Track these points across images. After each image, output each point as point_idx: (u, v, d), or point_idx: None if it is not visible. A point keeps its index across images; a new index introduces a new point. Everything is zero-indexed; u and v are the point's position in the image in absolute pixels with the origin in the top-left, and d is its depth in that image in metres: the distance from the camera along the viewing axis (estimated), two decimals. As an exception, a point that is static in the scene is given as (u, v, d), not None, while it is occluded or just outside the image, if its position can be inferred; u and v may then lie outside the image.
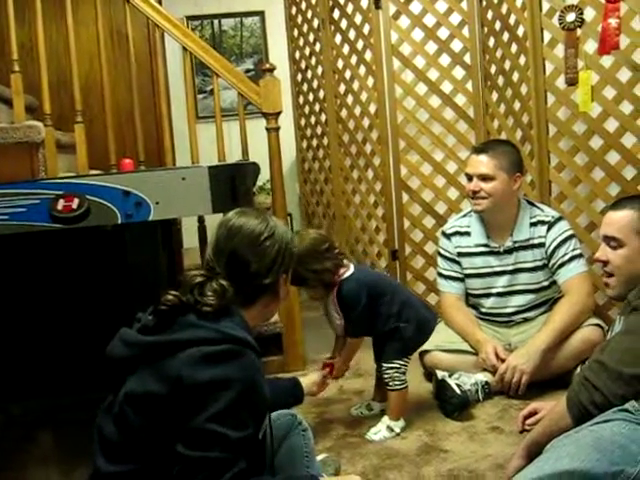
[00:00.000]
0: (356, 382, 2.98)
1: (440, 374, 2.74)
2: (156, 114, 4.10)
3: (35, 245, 2.51)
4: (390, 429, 2.49)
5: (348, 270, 2.45)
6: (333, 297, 2.43)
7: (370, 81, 4.04)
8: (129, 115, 3.32)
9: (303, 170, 4.82)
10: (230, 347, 1.38)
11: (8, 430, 2.55)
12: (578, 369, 2.72)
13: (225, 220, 1.59)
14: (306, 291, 2.46)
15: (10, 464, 2.29)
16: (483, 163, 2.87)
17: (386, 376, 2.47)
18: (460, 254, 3.06)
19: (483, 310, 3.06)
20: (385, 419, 2.52)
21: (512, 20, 3.44)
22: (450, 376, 2.72)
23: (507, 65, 3.53)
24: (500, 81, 3.62)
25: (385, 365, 2.47)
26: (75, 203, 2.05)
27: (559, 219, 2.93)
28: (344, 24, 4.18)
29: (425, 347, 2.92)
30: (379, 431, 2.49)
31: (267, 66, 3.13)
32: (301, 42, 4.57)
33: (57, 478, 2.17)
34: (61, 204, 2.05)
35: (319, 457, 2.14)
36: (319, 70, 4.41)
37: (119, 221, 2.08)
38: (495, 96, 3.68)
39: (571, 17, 3.07)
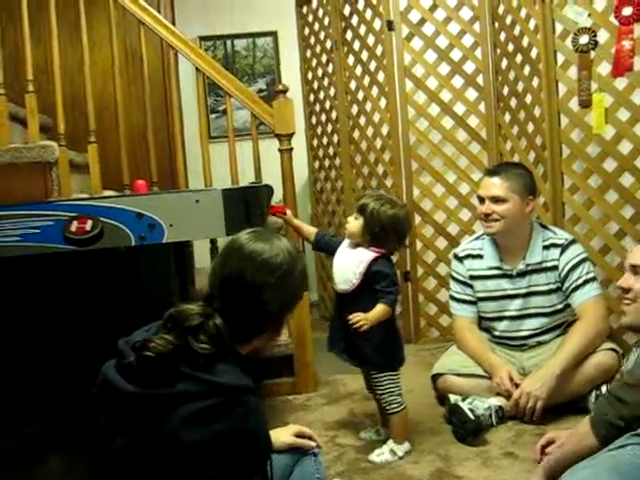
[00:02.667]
0: (367, 405, 2.91)
1: (453, 398, 2.69)
2: (169, 134, 4.12)
3: (48, 266, 2.47)
4: (393, 452, 2.46)
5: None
6: (367, 259, 2.35)
7: (383, 102, 3.99)
8: (142, 135, 3.30)
9: (315, 191, 4.79)
10: (225, 399, 1.32)
11: (19, 453, 2.52)
12: (593, 394, 2.69)
13: (235, 242, 1.48)
14: (356, 230, 2.35)
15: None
16: (495, 185, 2.82)
17: (382, 401, 2.44)
18: (472, 277, 3.00)
19: (496, 333, 2.99)
20: (390, 442, 2.49)
21: (525, 42, 3.43)
22: (463, 400, 2.67)
23: (520, 87, 3.53)
24: (513, 103, 3.60)
25: (376, 383, 2.42)
26: (89, 225, 2.03)
27: (572, 242, 2.87)
28: (357, 45, 4.14)
29: (438, 370, 2.91)
30: (382, 453, 2.46)
31: (280, 87, 3.11)
32: (314, 63, 4.54)
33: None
34: (75, 226, 2.03)
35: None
36: (332, 91, 4.36)
37: (132, 243, 2.05)
38: (508, 118, 3.65)
39: (584, 39, 3.07)
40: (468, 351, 2.93)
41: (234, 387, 1.33)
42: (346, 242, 2.46)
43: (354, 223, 2.40)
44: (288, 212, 2.61)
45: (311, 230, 2.62)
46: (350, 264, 2.40)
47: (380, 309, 2.34)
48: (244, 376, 1.38)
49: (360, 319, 2.32)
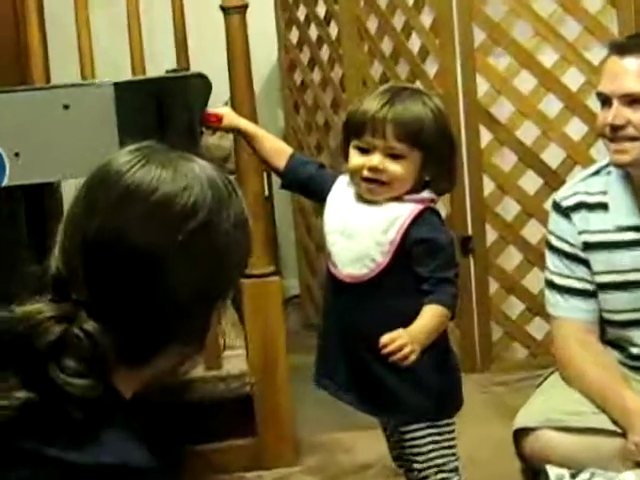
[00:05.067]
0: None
1: (555, 472, 2.48)
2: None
3: None
4: None
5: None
6: (405, 215, 2.31)
7: None
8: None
9: (292, 87, 4.37)
10: None
11: None
12: None
13: (107, 169, 1.36)
14: (404, 176, 2.26)
15: None
16: (632, 73, 2.43)
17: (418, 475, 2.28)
18: (589, 245, 2.58)
19: (635, 352, 2.60)
20: None
21: None
22: (574, 477, 2.47)
23: None
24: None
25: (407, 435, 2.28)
26: None
27: None
28: None
29: (526, 422, 2.58)
30: None
31: None
32: None
33: None
34: None
35: None
36: None
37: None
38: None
39: None
40: (583, 384, 2.60)
41: (122, 471, 1.27)
42: (348, 186, 2.30)
43: (395, 168, 2.21)
44: (227, 112, 2.47)
45: (281, 149, 2.42)
46: (368, 227, 2.27)
47: (434, 316, 2.18)
48: (142, 448, 1.29)
49: (401, 342, 2.10)
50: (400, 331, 2.12)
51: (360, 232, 2.26)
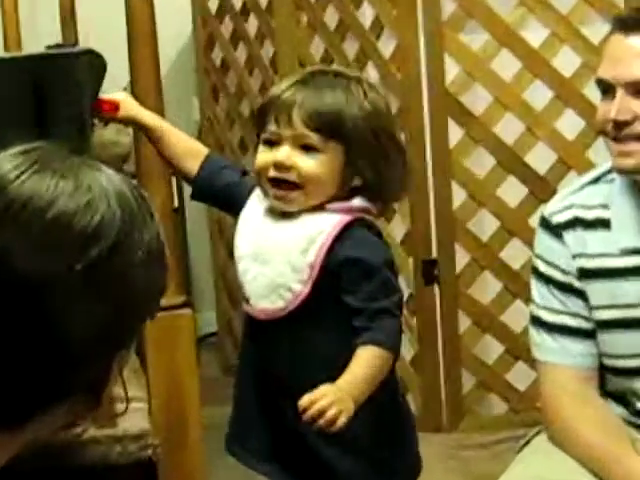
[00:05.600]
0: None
1: None
2: None
3: None
4: None
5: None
6: (328, 233, 2.32)
7: None
8: None
9: (210, 68, 4.47)
10: None
11: None
12: None
13: None
14: (317, 176, 2.31)
15: None
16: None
17: None
18: (585, 273, 2.53)
19: None
20: None
21: None
22: None
23: None
24: None
25: None
26: None
27: None
28: None
29: None
30: None
31: None
32: None
33: None
34: None
35: None
36: None
37: None
38: None
39: None
40: (577, 449, 2.56)
41: None
42: (262, 198, 2.37)
43: (307, 163, 2.26)
44: (124, 99, 2.50)
45: (193, 149, 2.48)
46: (282, 248, 2.33)
47: (369, 363, 2.20)
48: None
49: (324, 402, 2.09)
50: (325, 388, 2.10)
51: (274, 255, 2.27)
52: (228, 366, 4.52)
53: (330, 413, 2.07)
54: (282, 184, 2.24)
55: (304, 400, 2.06)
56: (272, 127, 2.24)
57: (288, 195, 2.25)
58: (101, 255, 1.30)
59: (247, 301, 2.33)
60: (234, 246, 2.39)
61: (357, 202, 2.25)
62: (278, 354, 2.31)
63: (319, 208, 2.25)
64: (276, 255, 2.29)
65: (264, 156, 2.26)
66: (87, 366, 1.35)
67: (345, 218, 2.22)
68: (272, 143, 2.26)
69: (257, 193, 2.36)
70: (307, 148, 2.23)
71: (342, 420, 2.07)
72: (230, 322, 4.66)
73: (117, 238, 1.32)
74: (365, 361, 2.16)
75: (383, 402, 2.28)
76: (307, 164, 2.21)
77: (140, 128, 2.50)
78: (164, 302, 2.93)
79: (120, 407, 2.32)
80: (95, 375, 1.37)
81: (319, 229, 2.24)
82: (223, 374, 4.60)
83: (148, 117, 2.45)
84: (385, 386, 2.25)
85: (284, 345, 2.31)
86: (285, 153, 2.25)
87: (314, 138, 2.22)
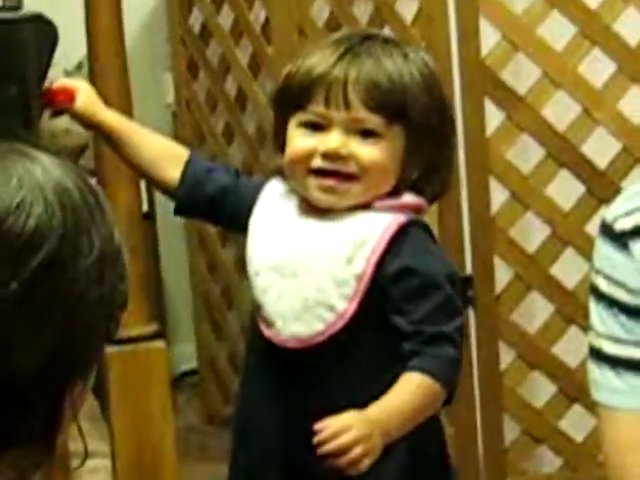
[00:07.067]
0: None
1: None
2: None
3: None
4: None
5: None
6: (380, 236, 2.28)
7: None
8: None
9: (186, 37, 4.58)
10: None
11: None
12: None
13: None
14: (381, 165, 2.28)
15: None
16: None
17: None
18: None
19: None
20: None
21: None
22: None
23: None
24: None
25: None
26: None
27: None
28: None
29: None
30: None
31: None
32: None
33: None
34: None
35: None
36: None
37: None
38: None
39: None
40: None
41: None
42: (284, 197, 2.39)
43: (368, 151, 2.25)
44: (82, 87, 2.49)
45: (170, 153, 2.48)
46: (322, 256, 2.31)
47: (411, 391, 2.20)
48: None
49: (348, 438, 2.08)
50: (350, 417, 2.09)
51: (309, 265, 2.25)
52: (211, 413, 4.59)
53: (354, 453, 2.06)
54: (332, 176, 2.24)
55: (323, 433, 2.06)
56: (318, 108, 2.23)
57: (341, 186, 2.25)
58: (40, 267, 1.31)
59: (270, 325, 2.30)
60: (247, 258, 2.37)
61: (409, 198, 2.27)
62: (310, 394, 2.30)
63: (363, 206, 2.26)
64: (311, 265, 2.29)
65: (305, 142, 2.26)
66: (32, 406, 1.34)
67: (399, 218, 2.24)
68: (316, 127, 2.25)
69: (274, 191, 2.36)
70: (366, 133, 2.24)
71: (366, 463, 2.06)
72: (213, 357, 4.67)
73: (58, 246, 1.31)
74: (406, 390, 2.16)
75: (424, 446, 2.30)
76: (368, 153, 2.22)
77: (99, 130, 2.49)
78: (131, 332, 2.98)
79: (75, 463, 2.35)
80: (40, 417, 1.36)
81: (367, 231, 2.24)
82: (205, 423, 4.64)
83: (111, 117, 2.45)
84: (430, 427, 2.28)
85: (322, 382, 2.31)
86: (339, 140, 2.24)
87: (376, 122, 2.23)
